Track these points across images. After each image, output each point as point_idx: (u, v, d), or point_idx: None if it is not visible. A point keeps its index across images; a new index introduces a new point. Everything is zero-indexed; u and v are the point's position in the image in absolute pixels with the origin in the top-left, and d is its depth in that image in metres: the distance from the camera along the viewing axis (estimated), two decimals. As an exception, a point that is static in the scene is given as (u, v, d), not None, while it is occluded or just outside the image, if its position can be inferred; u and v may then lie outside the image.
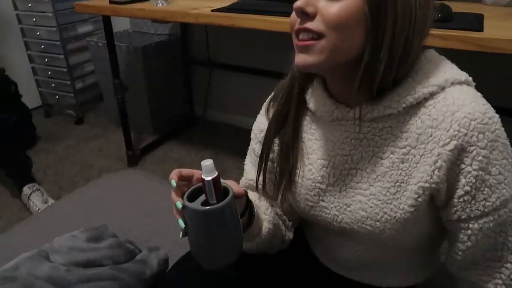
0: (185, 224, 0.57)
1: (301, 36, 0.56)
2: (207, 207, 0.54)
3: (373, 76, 0.55)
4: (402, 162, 0.60)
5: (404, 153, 0.60)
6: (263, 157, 0.73)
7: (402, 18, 0.53)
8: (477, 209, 0.57)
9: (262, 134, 0.74)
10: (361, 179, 0.64)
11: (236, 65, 2.44)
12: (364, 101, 0.59)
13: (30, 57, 2.72)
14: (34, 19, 2.55)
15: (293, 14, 0.57)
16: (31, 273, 0.83)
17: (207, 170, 0.54)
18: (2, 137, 1.82)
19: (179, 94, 2.65)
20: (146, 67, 2.33)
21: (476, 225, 0.58)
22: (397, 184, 0.61)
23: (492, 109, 0.57)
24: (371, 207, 0.63)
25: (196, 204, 0.55)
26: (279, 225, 0.76)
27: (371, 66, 0.55)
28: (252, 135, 0.79)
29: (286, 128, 0.70)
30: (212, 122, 2.72)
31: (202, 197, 0.56)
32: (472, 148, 0.55)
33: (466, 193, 0.57)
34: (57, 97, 2.77)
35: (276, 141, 0.73)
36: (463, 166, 0.56)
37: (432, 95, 0.58)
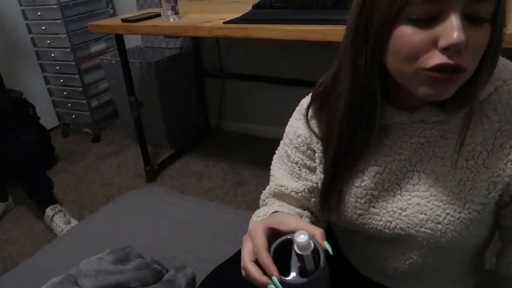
0: None
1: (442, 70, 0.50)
2: (312, 276, 0.49)
3: (478, 87, 0.54)
4: (467, 160, 0.58)
5: (469, 151, 0.58)
6: (333, 171, 0.67)
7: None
8: None
9: (300, 140, 0.72)
10: (418, 181, 0.62)
11: (249, 75, 2.44)
12: (429, 104, 0.58)
13: (45, 78, 2.77)
14: (48, 41, 2.60)
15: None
16: (61, 299, 0.82)
17: (303, 246, 0.48)
18: (25, 159, 1.84)
19: (194, 106, 2.66)
20: (159, 82, 2.34)
21: None
22: (461, 183, 0.59)
23: None
24: (431, 209, 0.61)
25: (298, 278, 0.49)
26: None
27: (482, 80, 0.54)
28: (287, 140, 0.75)
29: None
30: (227, 132, 2.71)
31: (294, 264, 0.50)
32: None
33: None
34: (73, 116, 2.81)
35: (319, 147, 0.70)
36: None
37: (495, 89, 0.57)
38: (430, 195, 0.61)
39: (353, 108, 0.60)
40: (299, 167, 0.73)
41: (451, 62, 0.48)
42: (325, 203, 0.70)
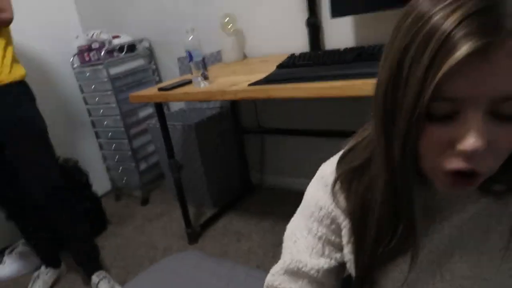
0: None
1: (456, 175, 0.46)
2: None
3: None
4: None
5: None
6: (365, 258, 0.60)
7: None
8: None
9: (323, 213, 0.65)
10: (460, 259, 0.55)
11: (287, 129, 2.43)
12: None
13: (100, 145, 2.96)
14: (101, 110, 2.81)
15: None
16: None
17: None
18: (72, 228, 1.92)
19: (235, 164, 2.67)
20: (200, 142, 2.40)
21: None
22: (511, 259, 0.52)
23: None
24: None
25: None
26: None
27: None
28: (307, 212, 0.67)
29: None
30: (269, 188, 2.67)
31: None
32: None
33: None
34: (123, 180, 2.94)
35: (346, 225, 0.63)
36: None
37: None
38: (475, 275, 0.53)
39: (395, 198, 0.53)
40: (322, 244, 0.65)
41: (467, 167, 0.43)
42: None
